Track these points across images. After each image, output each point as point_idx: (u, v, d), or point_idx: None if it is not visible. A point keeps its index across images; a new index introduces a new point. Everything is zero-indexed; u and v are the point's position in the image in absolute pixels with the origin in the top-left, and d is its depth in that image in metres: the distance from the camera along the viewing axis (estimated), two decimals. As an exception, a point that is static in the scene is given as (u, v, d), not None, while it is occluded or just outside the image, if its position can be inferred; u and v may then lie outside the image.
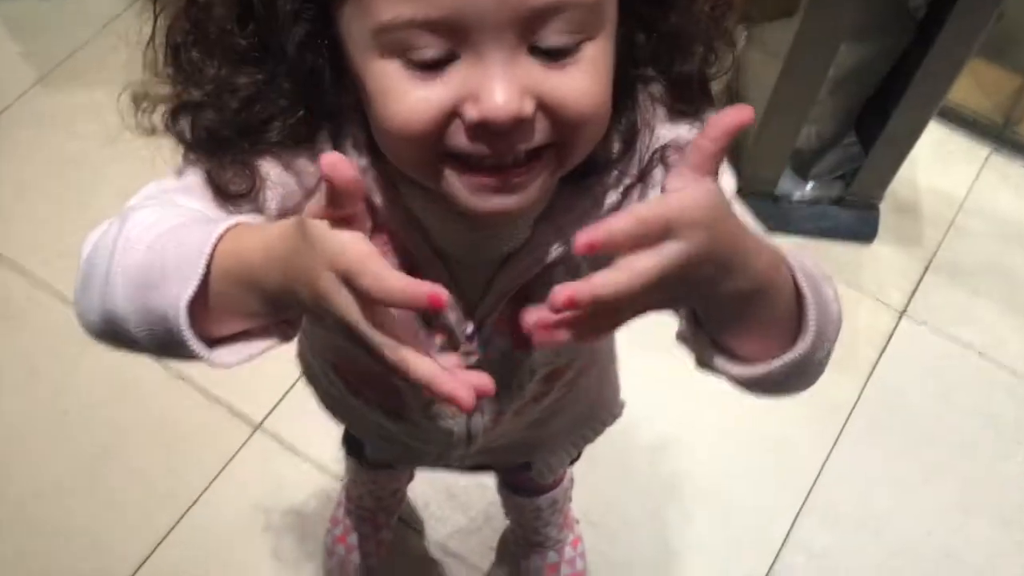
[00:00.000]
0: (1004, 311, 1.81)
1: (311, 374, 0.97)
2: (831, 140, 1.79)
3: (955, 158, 2.00)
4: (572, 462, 1.06)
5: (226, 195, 0.64)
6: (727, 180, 0.68)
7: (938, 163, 1.97)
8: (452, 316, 0.72)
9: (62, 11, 2.03)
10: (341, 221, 0.51)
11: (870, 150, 1.74)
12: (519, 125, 0.55)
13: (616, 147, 0.65)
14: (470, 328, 0.72)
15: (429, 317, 0.72)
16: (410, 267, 0.68)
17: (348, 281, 0.50)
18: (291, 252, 0.52)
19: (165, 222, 0.59)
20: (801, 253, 0.62)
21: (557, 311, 0.49)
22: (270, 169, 0.65)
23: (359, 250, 0.50)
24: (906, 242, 1.88)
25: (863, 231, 1.87)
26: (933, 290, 1.83)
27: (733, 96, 1.90)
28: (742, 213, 0.62)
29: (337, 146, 0.64)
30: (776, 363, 0.59)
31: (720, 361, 0.61)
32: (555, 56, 0.55)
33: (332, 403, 0.98)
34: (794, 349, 0.59)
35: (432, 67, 0.54)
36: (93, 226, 0.64)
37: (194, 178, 0.65)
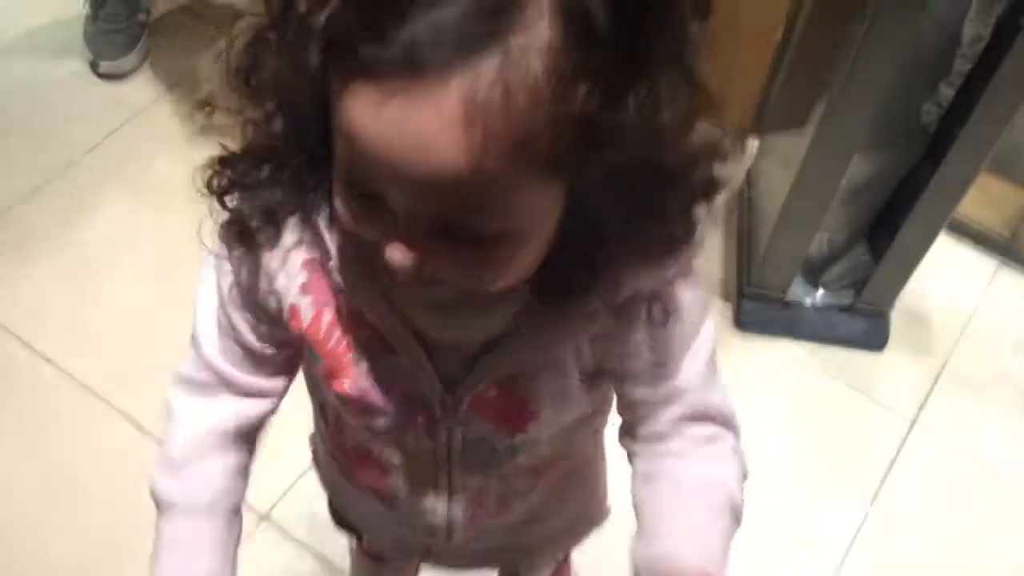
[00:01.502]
0: (1015, 422, 1.81)
1: (317, 459, 0.99)
2: (842, 249, 1.81)
3: (964, 270, 2.02)
4: (558, 566, 1.08)
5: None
6: (709, 324, 0.72)
7: (947, 274, 1.98)
8: (430, 393, 0.72)
9: (97, 96, 2.09)
10: None
11: (880, 260, 1.76)
12: (420, 278, 0.56)
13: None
14: (449, 402, 0.73)
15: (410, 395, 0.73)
16: (385, 348, 0.70)
17: None
18: None
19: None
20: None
21: None
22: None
23: None
24: (916, 351, 1.89)
25: (873, 339, 1.87)
26: (943, 400, 1.82)
27: (746, 204, 1.93)
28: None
29: (312, 221, 0.66)
30: None
31: None
32: (465, 242, 0.55)
33: (333, 489, 1.00)
34: None
35: (369, 201, 0.55)
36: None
37: (227, 283, 0.72)
